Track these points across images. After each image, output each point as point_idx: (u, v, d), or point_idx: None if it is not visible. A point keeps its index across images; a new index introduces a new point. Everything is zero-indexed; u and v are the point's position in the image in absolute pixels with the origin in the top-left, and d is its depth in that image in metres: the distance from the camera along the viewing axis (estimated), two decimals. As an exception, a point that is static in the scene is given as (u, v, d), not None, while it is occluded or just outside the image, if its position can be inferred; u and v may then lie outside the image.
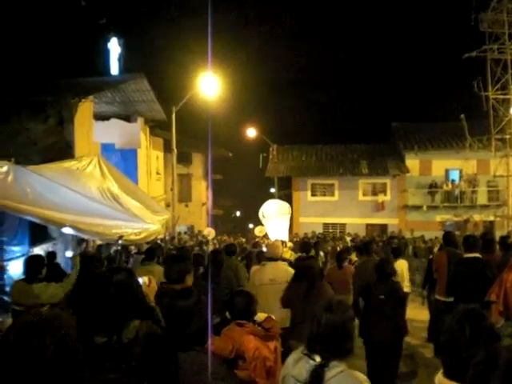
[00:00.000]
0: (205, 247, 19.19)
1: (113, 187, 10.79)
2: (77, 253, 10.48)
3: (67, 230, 9.55)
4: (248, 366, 3.95)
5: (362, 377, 3.06)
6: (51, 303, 6.33)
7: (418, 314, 11.71)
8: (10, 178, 9.03)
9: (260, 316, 4.46)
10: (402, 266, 11.47)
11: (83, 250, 11.23)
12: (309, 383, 3.02)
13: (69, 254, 10.92)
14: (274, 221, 15.69)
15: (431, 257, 11.74)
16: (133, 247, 13.13)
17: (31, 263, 6.91)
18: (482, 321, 2.78)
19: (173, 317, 3.57)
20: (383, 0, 68.36)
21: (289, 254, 11.91)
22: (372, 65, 68.73)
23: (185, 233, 31.28)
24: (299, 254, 10.96)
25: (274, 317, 4.60)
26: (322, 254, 14.15)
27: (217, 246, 19.28)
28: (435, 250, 15.57)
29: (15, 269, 10.39)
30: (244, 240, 27.29)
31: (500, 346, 1.73)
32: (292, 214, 17.47)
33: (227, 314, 4.40)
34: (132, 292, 3.80)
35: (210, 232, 22.26)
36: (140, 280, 4.59)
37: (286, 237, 15.04)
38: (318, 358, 3.04)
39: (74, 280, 6.85)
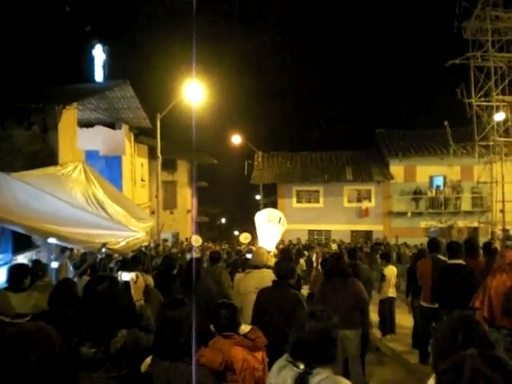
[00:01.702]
0: (188, 254, 19.13)
1: (98, 193, 10.74)
2: (62, 262, 10.39)
3: (51, 240, 9.48)
4: (237, 377, 3.94)
5: (347, 382, 3.06)
6: (35, 313, 6.24)
7: (403, 320, 11.73)
8: (-8, 185, 8.94)
9: (244, 327, 4.44)
10: (390, 271, 11.55)
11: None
12: None
13: (54, 264, 10.80)
14: (266, 229, 15.69)
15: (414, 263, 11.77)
16: (116, 255, 13.05)
17: (15, 272, 6.83)
18: (476, 328, 2.79)
19: (164, 326, 3.57)
20: (367, 8, 68.73)
21: (273, 261, 11.90)
22: (357, 72, 69.17)
23: (165, 240, 31.13)
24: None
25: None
26: (302, 261, 14.20)
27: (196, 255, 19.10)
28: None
29: (-2, 277, 10.26)
30: (227, 246, 27.24)
31: (465, 354, 1.74)
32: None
33: (211, 326, 4.38)
34: (117, 301, 3.77)
35: (196, 239, 22.19)
36: (128, 276, 4.55)
37: (272, 247, 15.04)
38: (301, 366, 3.03)
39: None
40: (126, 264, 8.50)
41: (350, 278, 7.53)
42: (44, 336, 2.04)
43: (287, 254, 10.99)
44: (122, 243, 10.30)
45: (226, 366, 3.92)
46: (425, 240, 16.89)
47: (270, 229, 15.54)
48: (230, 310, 4.38)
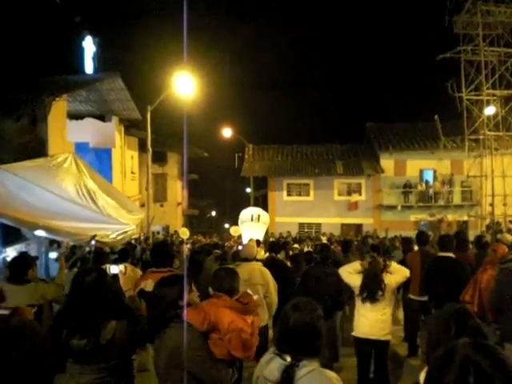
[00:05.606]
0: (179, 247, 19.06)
1: (89, 183, 10.69)
2: (60, 254, 10.31)
3: (40, 232, 9.42)
4: (223, 338, 3.95)
5: (333, 375, 3.05)
6: (38, 304, 6.17)
7: (395, 313, 11.74)
8: (-19, 177, 8.89)
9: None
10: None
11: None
12: (280, 383, 3.01)
13: (53, 255, 10.71)
14: (244, 229, 15.83)
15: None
16: (106, 248, 13.02)
17: (18, 264, 6.73)
18: (468, 320, 2.80)
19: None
20: (359, 2, 68.79)
21: (262, 254, 11.94)
22: (347, 66, 69.21)
23: (158, 233, 31.06)
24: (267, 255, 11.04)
25: (250, 291, 4.60)
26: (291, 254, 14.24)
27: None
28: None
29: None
30: (217, 239, 27.20)
31: (458, 342, 1.74)
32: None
33: (210, 289, 4.42)
34: (105, 293, 3.81)
35: (183, 232, 22.07)
36: (116, 269, 4.55)
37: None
38: (288, 358, 3.04)
39: (63, 281, 6.76)
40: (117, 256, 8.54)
41: None
42: (27, 332, 2.04)
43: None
44: (112, 236, 10.28)
45: (210, 327, 3.94)
46: (414, 233, 16.93)
47: (248, 227, 15.71)
48: (230, 274, 4.43)
